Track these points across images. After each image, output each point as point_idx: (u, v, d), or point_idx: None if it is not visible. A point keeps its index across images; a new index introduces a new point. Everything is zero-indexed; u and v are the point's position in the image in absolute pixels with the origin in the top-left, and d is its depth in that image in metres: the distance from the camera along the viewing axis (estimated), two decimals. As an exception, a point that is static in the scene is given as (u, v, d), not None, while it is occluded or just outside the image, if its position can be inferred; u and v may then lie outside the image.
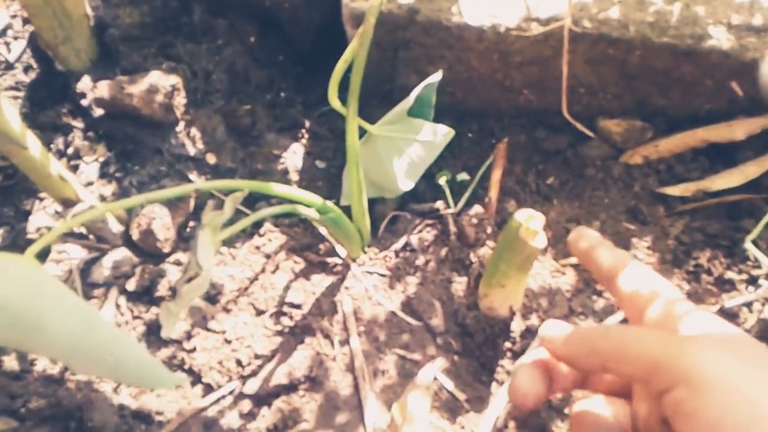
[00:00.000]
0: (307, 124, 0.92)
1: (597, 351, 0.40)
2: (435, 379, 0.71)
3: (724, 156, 0.83)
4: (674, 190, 0.81)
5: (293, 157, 0.90)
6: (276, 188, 0.61)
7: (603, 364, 0.40)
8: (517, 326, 0.74)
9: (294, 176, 0.88)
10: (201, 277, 0.55)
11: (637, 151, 0.83)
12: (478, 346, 0.74)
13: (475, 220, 0.80)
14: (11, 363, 0.74)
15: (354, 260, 0.79)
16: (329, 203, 0.69)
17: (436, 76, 0.73)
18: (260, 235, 0.82)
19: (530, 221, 0.63)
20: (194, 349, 0.74)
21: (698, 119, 0.82)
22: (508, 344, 0.73)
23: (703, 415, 0.33)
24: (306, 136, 0.92)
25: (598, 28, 0.74)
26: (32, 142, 0.67)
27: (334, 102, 0.66)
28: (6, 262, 0.48)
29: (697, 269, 0.77)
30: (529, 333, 0.74)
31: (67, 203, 0.76)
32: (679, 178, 0.82)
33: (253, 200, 0.85)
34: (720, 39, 0.72)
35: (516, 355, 0.73)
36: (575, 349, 0.42)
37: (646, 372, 0.37)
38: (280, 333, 0.75)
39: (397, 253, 0.80)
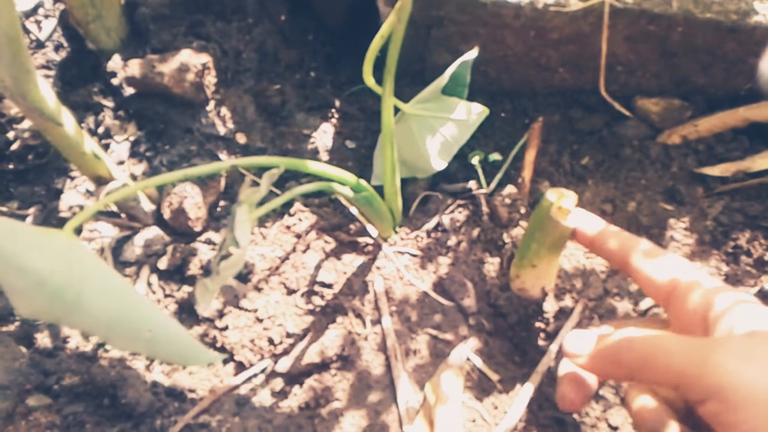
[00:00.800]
0: (337, 103, 0.91)
1: (623, 364, 0.40)
2: (467, 359, 0.71)
3: (765, 136, 0.81)
4: (713, 171, 0.79)
5: (323, 136, 0.89)
6: (312, 166, 0.61)
7: (630, 375, 0.40)
8: (550, 307, 0.73)
9: (324, 156, 0.88)
10: (238, 253, 0.54)
11: (675, 131, 0.82)
12: (511, 327, 0.73)
13: (508, 201, 0.79)
14: (44, 340, 0.74)
15: (385, 240, 0.79)
16: (363, 182, 0.68)
17: (472, 54, 0.72)
18: (290, 215, 0.82)
19: (562, 200, 0.62)
20: (226, 328, 0.74)
21: (739, 98, 0.80)
22: (541, 325, 0.72)
23: (740, 428, 0.33)
24: (336, 115, 0.91)
25: (639, 4, 0.72)
26: (67, 119, 0.67)
27: (369, 80, 0.65)
28: (46, 237, 0.48)
29: (736, 251, 0.75)
30: (563, 314, 0.73)
31: (100, 181, 0.76)
32: (719, 158, 0.80)
33: (282, 180, 0.85)
34: (767, 15, 0.70)
35: (549, 336, 0.72)
36: (601, 364, 0.42)
37: (676, 384, 0.37)
38: (311, 312, 0.75)
39: (428, 233, 0.79)
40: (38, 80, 0.63)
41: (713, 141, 0.81)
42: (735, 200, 0.78)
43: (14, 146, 0.86)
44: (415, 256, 0.78)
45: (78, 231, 0.80)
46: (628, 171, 0.82)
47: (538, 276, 0.70)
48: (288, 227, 0.81)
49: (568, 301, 0.73)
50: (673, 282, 0.46)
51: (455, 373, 0.68)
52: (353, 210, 0.82)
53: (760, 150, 0.79)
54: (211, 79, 0.86)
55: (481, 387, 0.70)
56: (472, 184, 0.82)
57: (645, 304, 0.73)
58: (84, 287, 0.47)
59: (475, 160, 0.83)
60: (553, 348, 0.71)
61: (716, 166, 0.79)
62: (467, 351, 0.70)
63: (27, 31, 0.92)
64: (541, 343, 0.72)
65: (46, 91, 0.64)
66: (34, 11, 0.93)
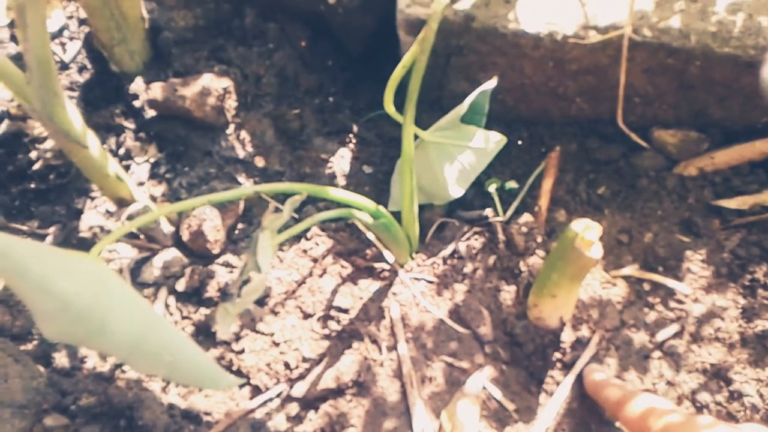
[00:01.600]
0: (355, 129, 0.92)
1: None
2: (483, 388, 0.71)
3: (782, 170, 0.81)
4: (730, 203, 0.79)
5: (341, 161, 0.90)
6: (333, 192, 0.61)
7: None
8: (567, 337, 0.73)
9: (341, 180, 0.89)
10: (259, 278, 0.55)
11: (692, 163, 0.82)
12: (527, 356, 0.73)
13: (524, 229, 0.79)
14: (62, 360, 0.75)
15: (402, 266, 0.79)
16: (382, 208, 0.69)
17: (491, 83, 0.73)
18: (307, 239, 0.83)
19: (586, 231, 0.62)
20: (243, 351, 0.74)
21: (755, 131, 0.80)
22: (558, 354, 0.72)
23: None
24: (353, 141, 0.92)
25: (658, 38, 0.73)
26: (92, 142, 0.68)
27: (390, 108, 0.66)
28: (72, 260, 0.48)
29: (753, 284, 0.75)
30: (580, 344, 0.73)
31: (122, 202, 0.77)
32: (736, 190, 0.80)
33: (300, 204, 0.85)
34: (783, 50, 0.71)
35: (566, 366, 0.72)
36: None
37: None
38: (327, 337, 0.75)
39: (445, 260, 0.80)
40: (66, 103, 0.64)
41: (730, 174, 0.81)
42: (752, 233, 0.78)
43: (36, 166, 0.87)
44: (431, 282, 0.78)
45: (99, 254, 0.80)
46: (645, 202, 0.82)
47: (557, 306, 0.70)
48: (305, 251, 0.82)
49: (584, 332, 0.73)
50: None
51: (471, 402, 0.68)
52: (370, 235, 0.82)
53: (777, 183, 0.80)
54: (231, 103, 0.88)
55: (497, 416, 0.70)
56: (488, 211, 0.82)
57: (662, 336, 0.73)
58: (108, 310, 0.48)
59: (492, 188, 0.83)
60: (570, 378, 0.71)
61: (733, 198, 0.80)
62: (483, 379, 0.70)
63: (52, 53, 0.94)
64: (557, 372, 0.72)
65: (72, 113, 0.65)
66: (59, 33, 0.94)
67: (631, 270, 0.78)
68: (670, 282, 0.76)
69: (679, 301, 0.75)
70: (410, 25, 0.79)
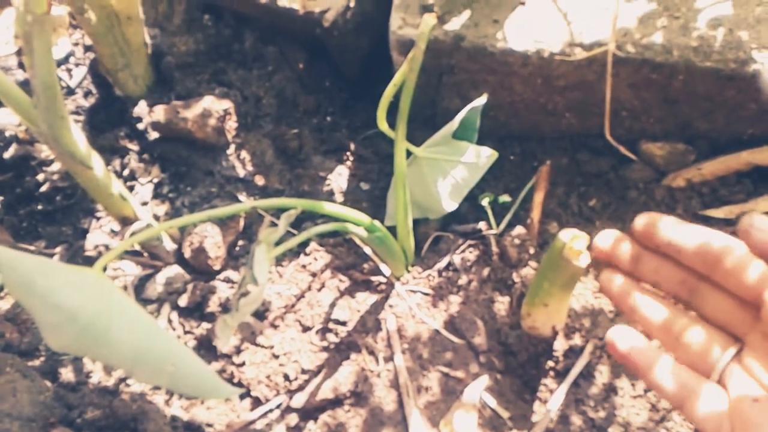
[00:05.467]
0: (352, 147, 0.95)
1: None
2: (480, 397, 0.72)
3: (768, 179, 0.83)
4: (718, 213, 0.81)
5: (338, 178, 0.92)
6: (328, 207, 0.64)
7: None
8: (560, 345, 0.74)
9: (339, 197, 0.91)
10: (256, 291, 0.57)
11: (679, 174, 0.84)
12: (521, 365, 0.75)
13: (517, 241, 0.81)
14: (68, 374, 0.77)
15: (398, 279, 0.81)
16: (377, 223, 0.71)
17: (481, 100, 0.75)
18: (306, 254, 0.85)
19: (574, 241, 0.64)
20: (243, 363, 0.76)
21: (741, 143, 0.82)
22: (551, 363, 0.74)
23: None
24: (351, 158, 0.94)
25: (641, 53, 0.75)
26: (97, 163, 0.71)
27: (383, 125, 0.69)
28: (77, 274, 0.51)
29: (742, 292, 0.77)
30: (572, 352, 0.74)
31: (126, 221, 0.79)
32: (723, 200, 0.82)
33: (299, 221, 0.88)
34: (765, 63, 0.73)
35: (559, 375, 0.74)
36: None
37: None
38: (326, 349, 0.77)
39: (440, 273, 0.82)
40: (71, 126, 0.67)
41: (717, 184, 0.83)
42: (740, 241, 0.80)
43: (44, 188, 0.90)
44: (426, 294, 0.80)
45: (103, 269, 0.83)
46: (635, 213, 0.83)
47: (549, 315, 0.72)
48: (304, 266, 0.84)
49: (577, 340, 0.75)
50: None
51: (469, 411, 0.70)
52: (367, 249, 0.84)
53: (764, 193, 0.81)
54: (232, 124, 0.90)
55: (492, 424, 0.71)
56: (482, 225, 0.84)
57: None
58: (112, 322, 0.50)
59: (485, 202, 0.86)
60: (563, 387, 0.72)
61: (720, 208, 0.81)
62: (481, 389, 0.72)
63: (59, 79, 0.97)
64: (550, 381, 0.74)
65: (78, 136, 0.68)
66: (65, 60, 0.98)
67: (622, 279, 0.80)
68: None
69: (670, 309, 0.77)
70: (402, 46, 0.81)
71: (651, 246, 0.48)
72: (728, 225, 0.81)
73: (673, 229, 0.46)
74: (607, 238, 0.51)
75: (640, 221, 0.48)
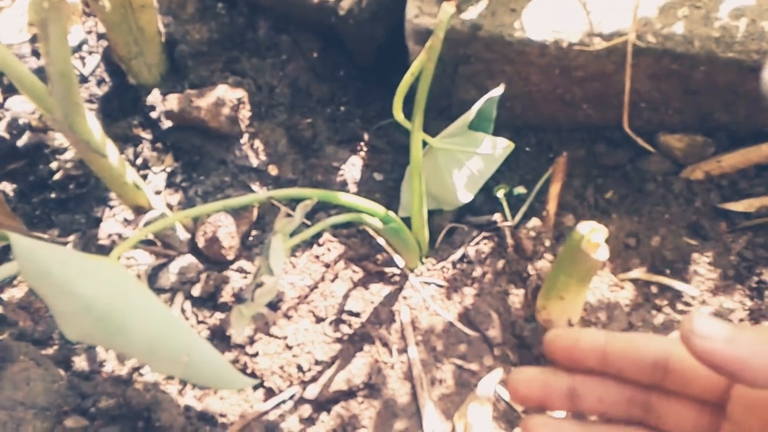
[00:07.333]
0: (366, 137, 0.94)
1: None
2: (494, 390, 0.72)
3: (789, 172, 0.82)
4: (737, 206, 0.80)
5: (352, 169, 0.92)
6: (343, 198, 0.63)
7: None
8: (575, 340, 0.73)
9: (352, 188, 0.90)
10: (271, 281, 0.57)
11: (698, 167, 0.83)
12: (536, 358, 0.74)
13: (532, 233, 0.80)
14: (82, 363, 0.77)
15: (412, 270, 0.81)
16: (392, 214, 0.70)
17: (498, 91, 0.75)
18: (320, 245, 0.84)
19: (593, 234, 0.63)
20: (257, 354, 0.76)
21: (762, 135, 0.81)
22: (566, 357, 0.73)
23: None
24: (364, 148, 0.94)
25: (662, 44, 0.74)
26: (111, 151, 0.70)
27: (399, 115, 0.68)
28: (93, 263, 0.50)
29: (760, 285, 0.76)
30: (588, 347, 0.73)
31: (139, 210, 0.79)
32: (743, 193, 0.81)
33: (312, 211, 0.87)
34: (787, 54, 0.72)
35: (574, 369, 0.73)
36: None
37: None
38: (339, 340, 0.77)
39: (454, 265, 0.81)
40: (86, 113, 0.66)
41: (736, 177, 0.82)
42: (759, 235, 0.79)
43: (57, 176, 0.90)
44: (440, 286, 0.80)
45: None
46: (652, 205, 0.83)
47: (565, 308, 0.71)
48: (317, 257, 0.83)
49: (592, 334, 0.74)
50: None
51: (483, 404, 0.70)
52: (381, 241, 0.84)
53: (784, 186, 0.80)
54: (245, 113, 0.90)
55: (506, 417, 0.71)
56: (497, 216, 0.83)
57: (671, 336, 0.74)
58: (127, 312, 0.50)
59: (500, 194, 0.85)
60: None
61: (740, 201, 0.80)
62: (495, 382, 0.72)
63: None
64: (565, 374, 0.73)
65: (93, 124, 0.68)
66: (79, 48, 0.97)
67: (639, 273, 0.79)
68: (677, 284, 0.77)
69: (687, 304, 0.76)
70: (419, 35, 0.81)
71: (577, 366, 0.39)
72: (747, 218, 0.80)
73: (598, 343, 0.38)
74: (527, 379, 0.40)
75: (558, 344, 0.39)
